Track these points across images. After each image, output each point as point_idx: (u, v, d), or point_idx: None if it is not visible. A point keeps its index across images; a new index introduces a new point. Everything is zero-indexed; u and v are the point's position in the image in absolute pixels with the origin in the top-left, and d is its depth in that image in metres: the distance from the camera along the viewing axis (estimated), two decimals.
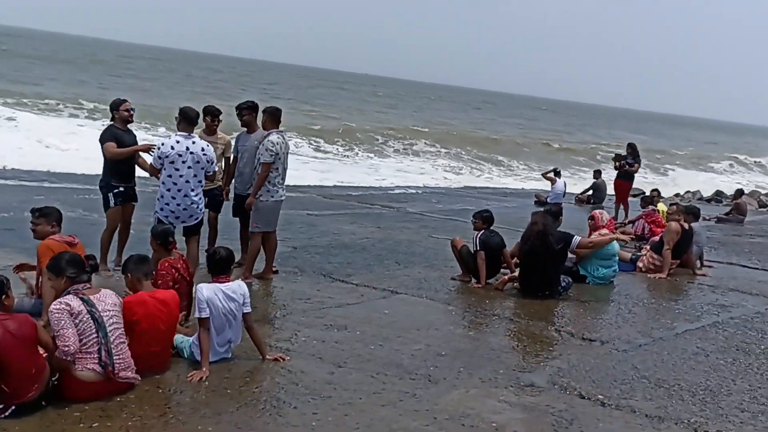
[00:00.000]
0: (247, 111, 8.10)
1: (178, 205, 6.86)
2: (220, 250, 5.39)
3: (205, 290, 5.14)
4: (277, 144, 7.56)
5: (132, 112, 7.64)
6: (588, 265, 8.89)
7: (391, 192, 18.01)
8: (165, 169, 6.86)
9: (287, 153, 7.83)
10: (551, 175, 18.09)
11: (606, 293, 8.50)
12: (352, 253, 9.61)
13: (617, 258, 9.14)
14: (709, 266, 10.79)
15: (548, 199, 17.53)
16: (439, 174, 25.61)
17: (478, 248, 8.29)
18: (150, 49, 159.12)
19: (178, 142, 6.80)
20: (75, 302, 4.42)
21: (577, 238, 8.15)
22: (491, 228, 8.54)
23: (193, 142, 6.82)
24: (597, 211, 9.52)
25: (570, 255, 8.26)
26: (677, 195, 25.91)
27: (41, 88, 33.49)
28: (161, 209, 6.95)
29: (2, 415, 4.09)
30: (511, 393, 5.13)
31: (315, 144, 28.54)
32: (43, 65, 50.14)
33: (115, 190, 7.41)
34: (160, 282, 5.64)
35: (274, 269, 8.24)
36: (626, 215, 15.00)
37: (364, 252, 9.79)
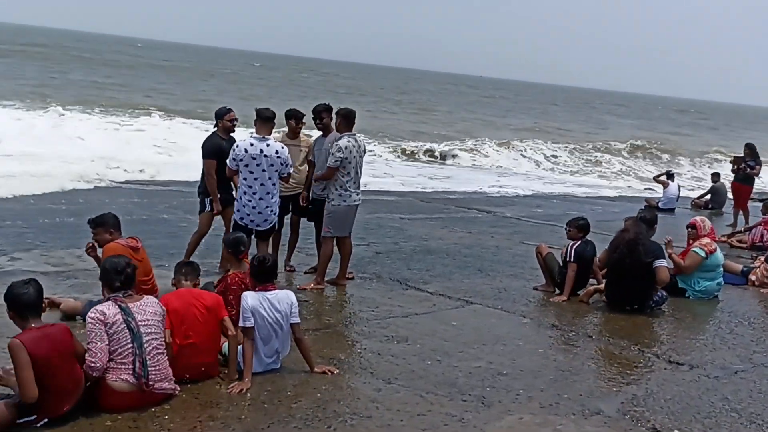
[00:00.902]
0: (326, 113, 7.89)
1: (254, 208, 6.75)
2: (268, 257, 5.18)
3: (249, 299, 4.94)
4: (346, 148, 7.31)
5: (236, 123, 7.68)
6: (688, 277, 8.03)
7: (491, 196, 17.40)
8: (241, 172, 6.78)
9: (361, 156, 7.56)
10: (663, 178, 16.85)
11: (707, 309, 7.62)
12: (434, 259, 9.22)
13: (722, 269, 8.19)
14: None
15: (660, 204, 16.33)
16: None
17: (571, 259, 7.62)
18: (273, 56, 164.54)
19: (252, 144, 6.69)
20: (112, 310, 4.32)
21: (661, 262, 7.17)
22: (586, 238, 7.84)
23: (268, 145, 6.67)
24: (698, 218, 8.52)
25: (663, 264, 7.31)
26: None
27: (165, 97, 35.16)
28: (237, 211, 6.89)
29: (34, 425, 4.05)
30: (572, 422, 4.58)
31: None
32: (169, 74, 52.82)
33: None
34: (231, 297, 5.46)
35: (350, 275, 8.00)
36: (746, 221, 13.63)
37: (447, 258, 9.37)
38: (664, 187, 16.62)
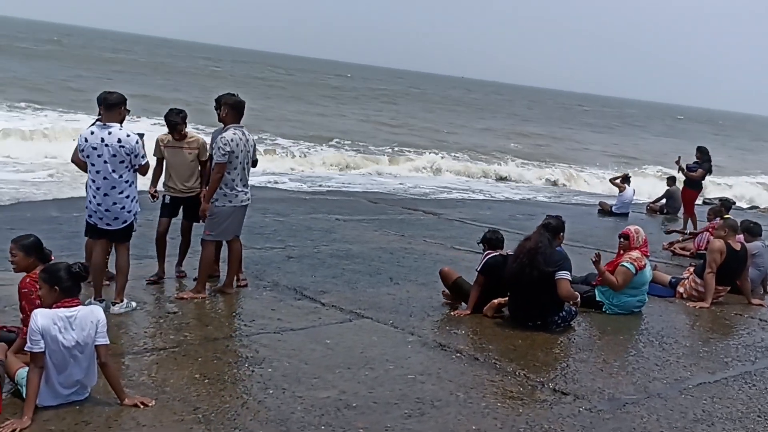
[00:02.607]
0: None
1: (99, 205, 5.78)
2: (63, 264, 4.27)
3: (39, 318, 4.05)
4: (233, 141, 6.44)
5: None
6: (606, 289, 7.16)
7: (445, 198, 16.54)
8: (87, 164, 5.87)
9: (250, 151, 6.69)
10: (619, 181, 15.97)
11: (620, 326, 6.72)
12: (347, 265, 8.35)
13: (647, 287, 7.27)
14: None
15: (613, 208, 15.49)
16: None
17: (479, 270, 6.73)
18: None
19: (92, 133, 5.74)
20: None
21: (564, 274, 6.23)
22: (505, 251, 6.88)
23: (110, 133, 5.68)
24: (632, 228, 7.45)
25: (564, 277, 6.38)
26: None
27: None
28: (86, 207, 5.95)
29: None
30: None
31: None
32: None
33: None
34: (23, 302, 4.60)
35: (242, 282, 7.13)
36: (694, 227, 12.79)
37: (362, 264, 8.50)
38: (620, 191, 15.74)
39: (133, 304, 6.12)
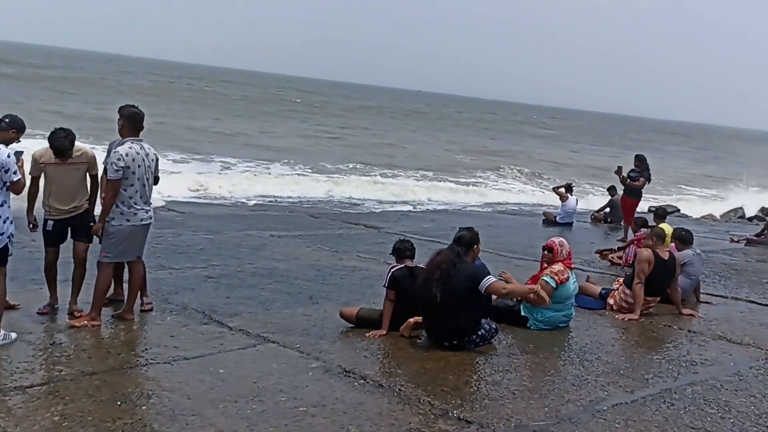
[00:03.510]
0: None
1: None
2: None
3: None
4: (128, 156, 5.90)
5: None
6: (531, 305, 6.76)
7: (386, 211, 16.11)
8: None
9: (150, 166, 6.13)
10: (562, 190, 15.73)
11: (544, 343, 6.30)
12: (267, 285, 7.84)
13: (573, 301, 6.91)
14: (707, 302, 8.40)
15: (557, 218, 15.25)
16: None
17: (386, 285, 6.30)
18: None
19: None
20: None
21: (488, 280, 5.90)
22: (415, 264, 6.45)
23: None
24: (556, 241, 7.04)
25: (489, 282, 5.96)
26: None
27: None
28: None
29: None
30: None
31: None
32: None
33: None
34: None
35: (147, 307, 6.55)
36: (635, 236, 12.54)
37: (285, 282, 7.99)
38: (563, 200, 15.51)
39: (13, 335, 5.50)
